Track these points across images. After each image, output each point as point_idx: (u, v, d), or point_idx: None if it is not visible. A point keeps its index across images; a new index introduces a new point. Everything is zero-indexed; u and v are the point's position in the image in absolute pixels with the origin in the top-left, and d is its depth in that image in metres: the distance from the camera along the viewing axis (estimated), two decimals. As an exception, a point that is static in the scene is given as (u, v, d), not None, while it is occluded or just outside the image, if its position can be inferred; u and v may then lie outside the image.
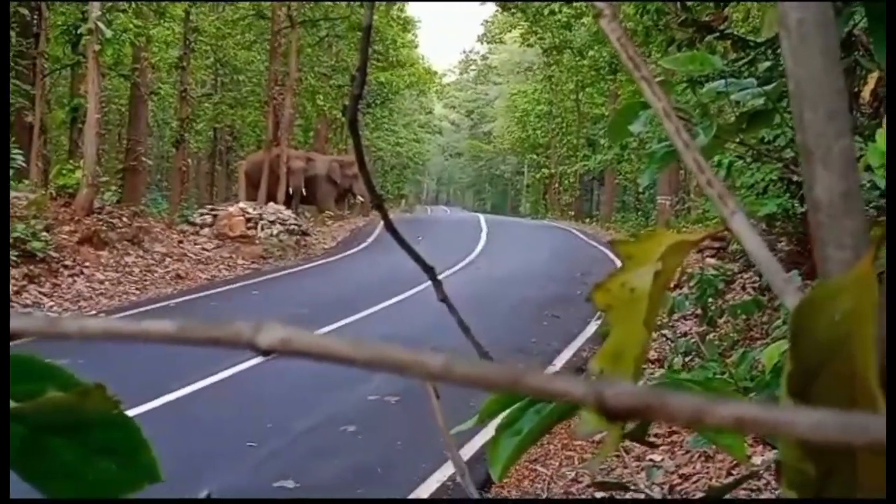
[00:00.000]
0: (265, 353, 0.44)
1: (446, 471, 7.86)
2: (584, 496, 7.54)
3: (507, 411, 1.31)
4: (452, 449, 1.06)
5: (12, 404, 0.69)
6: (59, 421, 0.72)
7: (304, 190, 36.16)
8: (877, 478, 0.51)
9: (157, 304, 16.13)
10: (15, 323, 0.47)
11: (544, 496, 7.58)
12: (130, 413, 0.74)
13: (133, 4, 25.56)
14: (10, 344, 0.51)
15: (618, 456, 8.16)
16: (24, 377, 0.71)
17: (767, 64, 6.31)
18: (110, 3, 23.20)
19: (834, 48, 0.65)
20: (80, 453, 0.74)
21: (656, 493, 6.83)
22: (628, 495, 6.43)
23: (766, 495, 6.09)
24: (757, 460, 6.54)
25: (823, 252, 0.64)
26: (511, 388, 0.41)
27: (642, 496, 6.61)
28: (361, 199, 39.75)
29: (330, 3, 36.89)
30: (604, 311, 0.72)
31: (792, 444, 0.54)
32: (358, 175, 37.10)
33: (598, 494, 7.75)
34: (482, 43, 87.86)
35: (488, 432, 1.31)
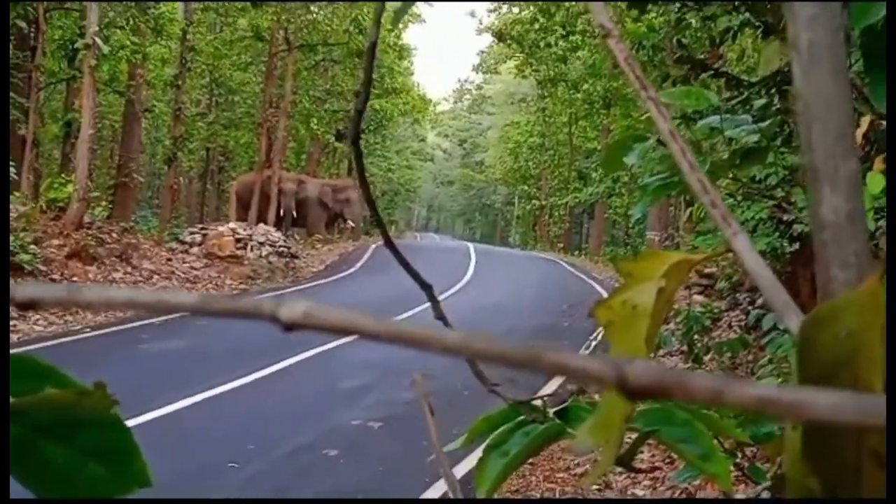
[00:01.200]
0: (287, 327, 0.44)
1: (428, 496, 7.84)
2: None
3: (496, 433, 1.31)
4: (445, 466, 1.06)
5: (11, 400, 0.69)
6: (53, 421, 0.72)
7: (294, 212, 36.20)
8: (879, 492, 0.51)
9: (144, 322, 16.06)
10: (35, 291, 0.47)
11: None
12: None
13: (131, 21, 25.58)
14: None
15: (599, 489, 8.14)
16: (24, 376, 0.71)
17: (762, 102, 6.34)
18: (108, 20, 23.23)
19: (843, 71, 0.66)
20: (71, 455, 0.74)
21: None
22: None
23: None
24: (740, 496, 6.52)
25: (828, 272, 0.64)
26: (530, 365, 0.41)
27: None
28: (352, 224, 39.80)
29: (328, 28, 36.97)
30: (604, 327, 0.72)
31: (798, 460, 0.54)
32: (349, 199, 37.22)
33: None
34: (477, 72, 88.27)
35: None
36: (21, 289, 0.47)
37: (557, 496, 8.16)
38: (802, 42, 0.66)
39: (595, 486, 8.27)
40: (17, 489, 0.76)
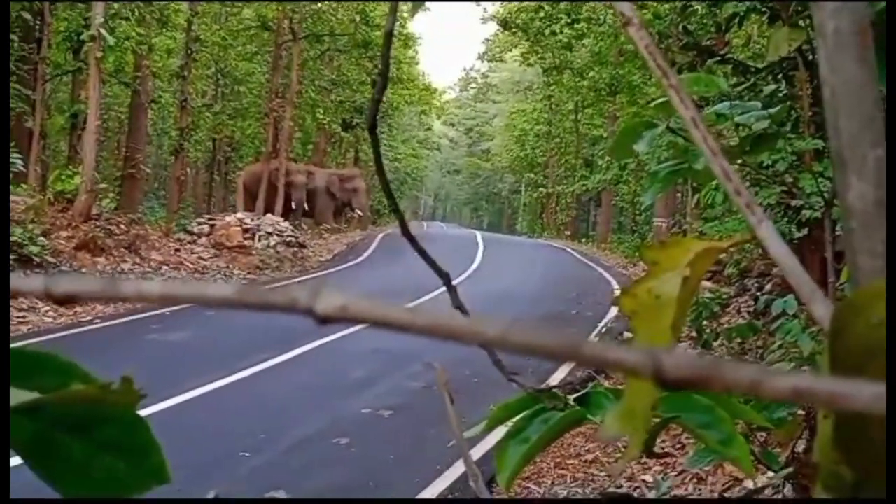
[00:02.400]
0: (323, 320, 0.44)
1: (438, 486, 7.86)
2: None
3: (515, 419, 1.32)
4: (465, 452, 1.06)
5: (34, 395, 0.69)
6: (72, 416, 0.72)
7: (305, 205, 36.32)
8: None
9: (154, 312, 16.09)
10: (73, 285, 0.47)
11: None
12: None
13: (136, 13, 25.58)
14: (68, 307, 0.51)
15: (609, 476, 8.16)
16: (46, 372, 0.71)
17: (771, 88, 6.33)
18: (113, 11, 23.21)
19: (870, 57, 0.65)
20: (89, 451, 0.74)
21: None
22: None
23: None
24: (749, 484, 6.53)
25: (855, 260, 0.64)
26: (569, 356, 0.41)
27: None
28: (359, 213, 39.79)
29: (334, 19, 36.94)
30: (629, 316, 0.72)
31: (829, 448, 0.54)
32: (356, 189, 37.25)
33: None
34: (483, 61, 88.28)
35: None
36: (59, 283, 0.47)
37: (568, 482, 8.17)
38: (828, 28, 0.66)
39: (604, 474, 8.28)
40: (17, 490, 0.76)
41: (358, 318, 0.44)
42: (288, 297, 0.45)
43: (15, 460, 0.71)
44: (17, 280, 0.51)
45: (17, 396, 0.68)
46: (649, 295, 0.72)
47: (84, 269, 18.47)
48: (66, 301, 0.48)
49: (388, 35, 1.08)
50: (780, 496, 4.27)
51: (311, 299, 0.44)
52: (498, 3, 52.44)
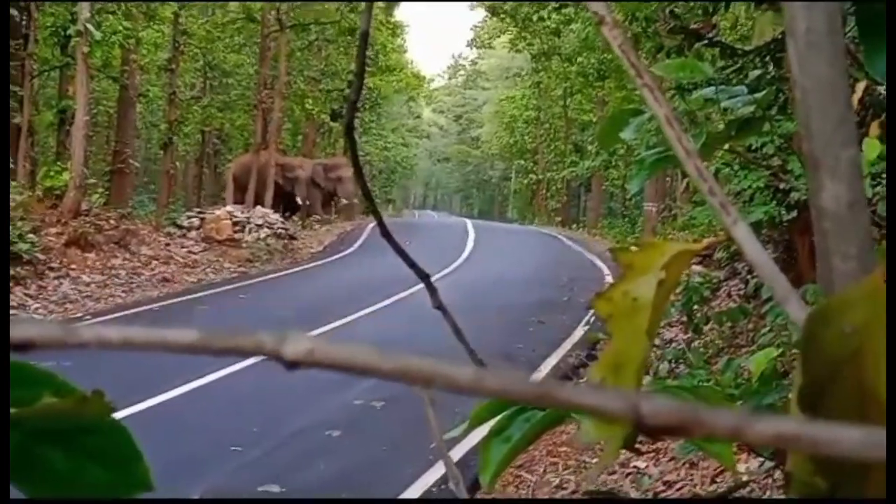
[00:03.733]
0: (291, 364, 0.43)
1: (431, 476, 7.86)
2: (569, 502, 7.55)
3: (498, 418, 1.31)
4: (446, 455, 1.06)
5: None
6: (53, 428, 0.72)
7: (300, 200, 36.40)
8: (882, 492, 0.51)
9: (144, 308, 16.07)
10: (28, 331, 0.46)
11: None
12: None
13: (122, 7, 25.49)
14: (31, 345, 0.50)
15: (584, 480, 8.16)
16: (19, 383, 0.70)
17: (757, 72, 6.32)
18: (100, 6, 23.14)
19: (842, 57, 0.65)
20: (72, 461, 0.74)
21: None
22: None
23: (752, 503, 6.09)
24: (741, 467, 6.54)
25: (828, 263, 0.64)
26: (542, 402, 0.41)
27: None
28: (346, 200, 39.68)
29: (320, 7, 36.88)
30: (605, 319, 0.72)
31: (803, 459, 0.53)
32: (341, 178, 37.21)
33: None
34: (471, 48, 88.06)
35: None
36: (18, 329, 0.46)
37: (560, 470, 8.18)
38: (799, 28, 0.65)
39: (596, 460, 8.28)
40: (16, 489, 0.76)
41: (325, 363, 0.43)
42: (253, 342, 0.44)
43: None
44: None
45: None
46: (625, 298, 0.71)
47: (73, 266, 18.44)
48: (24, 348, 0.47)
49: (364, 35, 1.07)
50: (770, 481, 4.28)
51: (279, 344, 0.44)
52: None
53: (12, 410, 0.69)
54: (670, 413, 0.39)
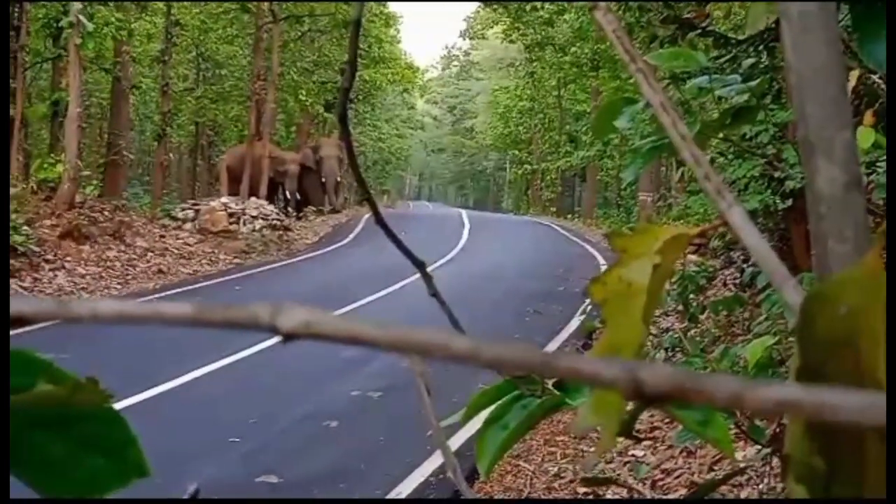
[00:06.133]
0: (286, 336, 0.43)
1: (429, 466, 7.86)
2: (566, 492, 7.55)
3: (494, 406, 1.31)
4: (444, 445, 1.06)
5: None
6: (49, 415, 0.72)
7: (290, 193, 36.41)
8: (881, 473, 0.51)
9: (139, 299, 16.05)
10: (22, 307, 0.46)
11: (526, 491, 7.59)
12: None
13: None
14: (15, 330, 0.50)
15: (582, 468, 8.17)
16: (15, 371, 0.70)
17: (751, 61, 6.32)
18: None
19: (836, 40, 0.65)
20: (68, 448, 0.74)
21: (646, 492, 6.83)
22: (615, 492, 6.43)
23: (748, 490, 6.10)
24: (738, 455, 6.55)
25: (824, 245, 0.64)
26: (540, 371, 0.40)
27: (628, 492, 6.62)
28: (324, 179, 39.10)
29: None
30: (600, 304, 0.71)
31: (801, 439, 0.53)
32: (323, 157, 37.18)
33: (583, 490, 7.74)
34: (464, 38, 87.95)
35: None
36: (11, 304, 0.46)
37: (558, 459, 8.18)
38: (793, 12, 0.65)
39: (594, 449, 8.29)
40: (17, 489, 0.76)
41: (322, 334, 0.43)
42: (249, 314, 0.44)
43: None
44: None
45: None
46: (620, 282, 0.71)
47: (69, 258, 18.42)
48: (15, 323, 0.47)
49: (356, 24, 1.07)
50: (768, 468, 4.29)
51: (274, 315, 0.43)
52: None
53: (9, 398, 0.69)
54: (670, 379, 0.38)
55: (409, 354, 0.42)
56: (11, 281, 15.90)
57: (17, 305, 0.46)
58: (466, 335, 0.42)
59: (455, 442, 7.50)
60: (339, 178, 38.78)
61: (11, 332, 0.50)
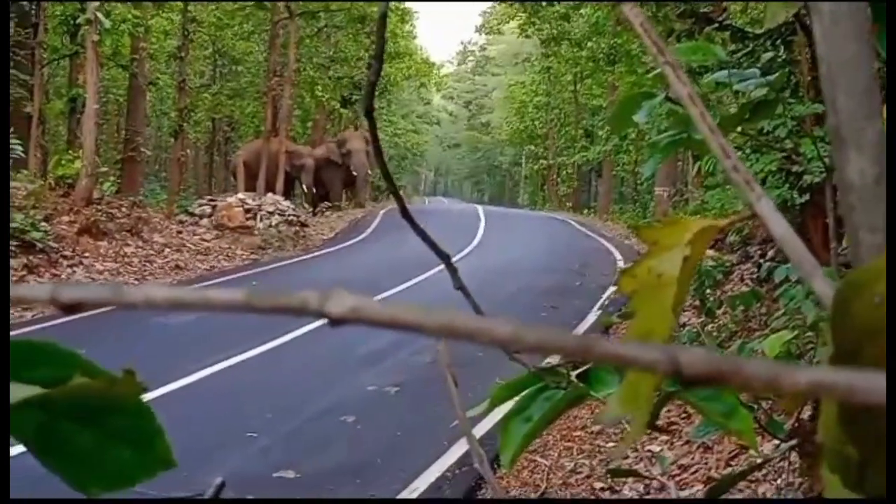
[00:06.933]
0: (334, 321, 0.44)
1: (446, 461, 7.87)
2: (582, 487, 7.54)
3: (518, 398, 1.31)
4: (470, 434, 1.06)
5: (38, 390, 0.69)
6: (78, 407, 0.73)
7: (307, 187, 36.51)
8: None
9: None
10: (78, 293, 0.47)
11: (543, 486, 7.59)
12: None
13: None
14: (74, 316, 0.51)
15: (615, 444, 8.17)
16: (50, 362, 0.71)
17: (769, 55, 6.31)
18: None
19: (866, 32, 0.65)
20: (99, 440, 0.74)
21: (670, 485, 6.80)
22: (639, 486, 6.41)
23: (765, 486, 6.09)
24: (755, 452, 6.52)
25: (855, 236, 0.64)
26: (583, 355, 0.41)
27: (645, 487, 6.61)
28: (355, 173, 39.19)
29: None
30: (629, 296, 0.72)
31: (834, 427, 0.54)
32: (351, 151, 37.27)
33: (599, 486, 7.73)
34: (480, 34, 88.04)
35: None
36: (65, 290, 0.46)
37: (575, 454, 8.18)
38: (824, 4, 0.65)
39: (611, 444, 8.29)
40: (17, 489, 0.77)
41: (369, 319, 0.44)
42: (299, 300, 0.45)
43: (17, 449, 0.71)
44: (23, 289, 0.50)
45: (19, 390, 0.68)
46: (650, 274, 0.71)
47: (87, 254, 18.49)
48: (72, 309, 0.48)
49: (382, 18, 1.07)
50: (786, 464, 4.28)
51: (322, 301, 0.44)
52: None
53: (43, 390, 0.70)
54: (707, 362, 0.39)
55: (451, 340, 0.43)
56: (30, 277, 15.96)
57: (73, 292, 0.47)
58: (510, 321, 0.43)
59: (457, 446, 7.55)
60: (368, 171, 38.85)
61: (65, 319, 0.51)
